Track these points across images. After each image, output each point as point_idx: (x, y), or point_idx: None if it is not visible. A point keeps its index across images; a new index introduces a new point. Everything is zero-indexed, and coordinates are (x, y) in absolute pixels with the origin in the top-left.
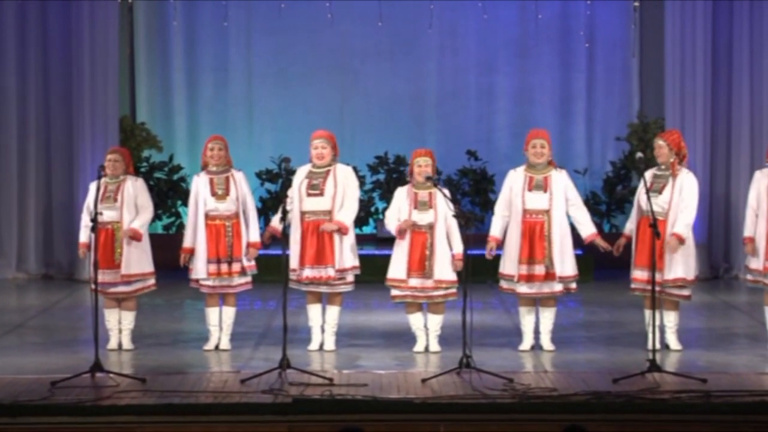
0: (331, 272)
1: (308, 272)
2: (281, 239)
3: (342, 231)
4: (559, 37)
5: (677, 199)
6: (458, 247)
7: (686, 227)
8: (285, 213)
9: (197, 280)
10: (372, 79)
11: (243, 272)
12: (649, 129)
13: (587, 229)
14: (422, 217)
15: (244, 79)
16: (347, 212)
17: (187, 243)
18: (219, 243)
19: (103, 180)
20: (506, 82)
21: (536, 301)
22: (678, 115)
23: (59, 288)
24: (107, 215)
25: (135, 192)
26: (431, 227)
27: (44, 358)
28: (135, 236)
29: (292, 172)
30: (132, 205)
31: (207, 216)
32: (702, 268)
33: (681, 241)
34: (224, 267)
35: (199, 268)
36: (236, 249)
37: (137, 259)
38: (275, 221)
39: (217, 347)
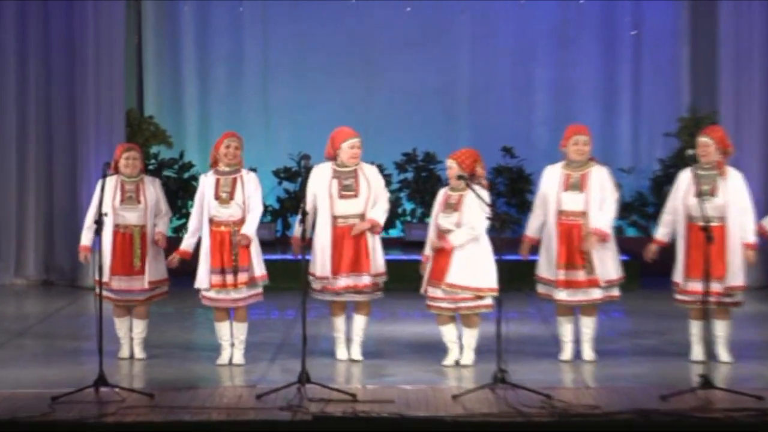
0: (366, 280)
1: (345, 281)
2: (301, 245)
3: (375, 230)
4: (602, 25)
5: (735, 201)
6: (458, 238)
7: (753, 234)
8: (305, 214)
9: (201, 291)
10: (399, 70)
11: (252, 282)
12: (701, 124)
13: (595, 222)
14: (447, 221)
15: (259, 70)
16: (380, 211)
17: (182, 245)
18: (224, 251)
19: (119, 178)
20: (545, 74)
21: (575, 310)
22: (733, 108)
23: (61, 295)
24: (128, 218)
25: (156, 195)
26: None
27: (44, 371)
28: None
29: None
30: (154, 208)
31: (211, 221)
32: (757, 275)
33: (755, 248)
34: (229, 278)
35: (202, 278)
36: (242, 257)
37: (159, 266)
38: (297, 231)
39: (230, 362)
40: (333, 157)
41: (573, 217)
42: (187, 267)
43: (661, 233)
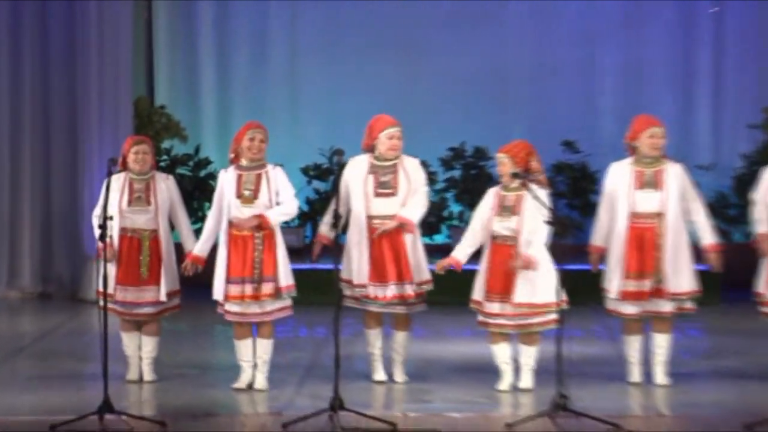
0: (410, 289)
1: (388, 290)
2: (333, 250)
3: (405, 229)
4: (678, 0)
5: None
6: (532, 249)
7: None
8: (338, 218)
9: (222, 305)
10: (445, 53)
11: (277, 294)
12: None
13: (705, 238)
14: (505, 226)
15: (286, 54)
16: (413, 207)
17: (195, 249)
18: (245, 259)
19: (127, 175)
20: (612, 56)
21: (645, 326)
22: None
23: (60, 309)
24: (137, 221)
25: (170, 194)
26: (517, 239)
27: (42, 396)
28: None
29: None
30: (167, 209)
31: (231, 224)
32: None
33: None
34: (248, 289)
35: (218, 289)
36: (267, 266)
37: (172, 276)
38: (324, 228)
39: (250, 387)
40: (371, 149)
41: (648, 219)
42: (203, 277)
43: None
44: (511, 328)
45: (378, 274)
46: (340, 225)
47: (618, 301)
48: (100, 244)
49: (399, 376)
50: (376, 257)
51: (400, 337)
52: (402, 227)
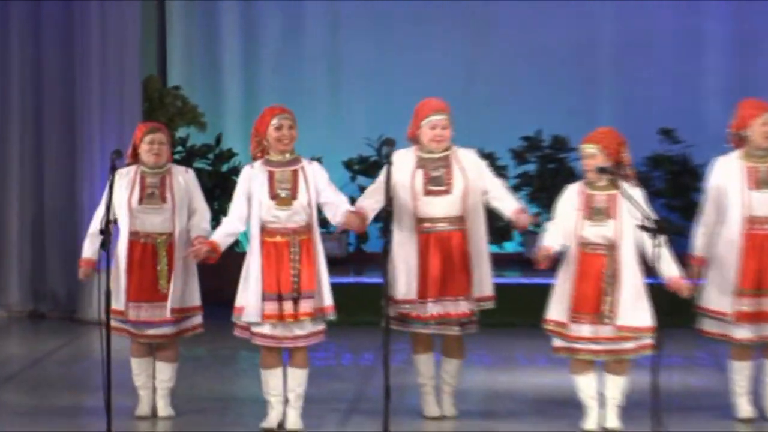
0: (464, 307)
1: (435, 307)
2: (380, 261)
3: (528, 221)
4: None
5: None
6: (673, 269)
7: None
8: (390, 221)
9: (248, 327)
10: (516, 25)
11: (320, 315)
12: None
13: None
14: (598, 232)
15: (327, 26)
16: (513, 198)
17: (215, 236)
18: (281, 271)
19: (138, 169)
20: (720, 27)
21: (755, 352)
22: None
23: (55, 330)
24: (150, 222)
25: (189, 189)
26: (612, 247)
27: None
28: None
29: None
30: (185, 208)
31: (264, 229)
32: None
33: None
34: (288, 306)
35: (250, 308)
36: (306, 280)
37: (189, 289)
38: (366, 209)
39: (280, 426)
40: (416, 139)
41: (765, 224)
42: (224, 294)
43: None
44: (602, 355)
45: (422, 289)
46: (390, 226)
47: (730, 324)
48: (84, 256)
49: (448, 409)
50: (429, 268)
51: (450, 365)
52: (524, 220)
